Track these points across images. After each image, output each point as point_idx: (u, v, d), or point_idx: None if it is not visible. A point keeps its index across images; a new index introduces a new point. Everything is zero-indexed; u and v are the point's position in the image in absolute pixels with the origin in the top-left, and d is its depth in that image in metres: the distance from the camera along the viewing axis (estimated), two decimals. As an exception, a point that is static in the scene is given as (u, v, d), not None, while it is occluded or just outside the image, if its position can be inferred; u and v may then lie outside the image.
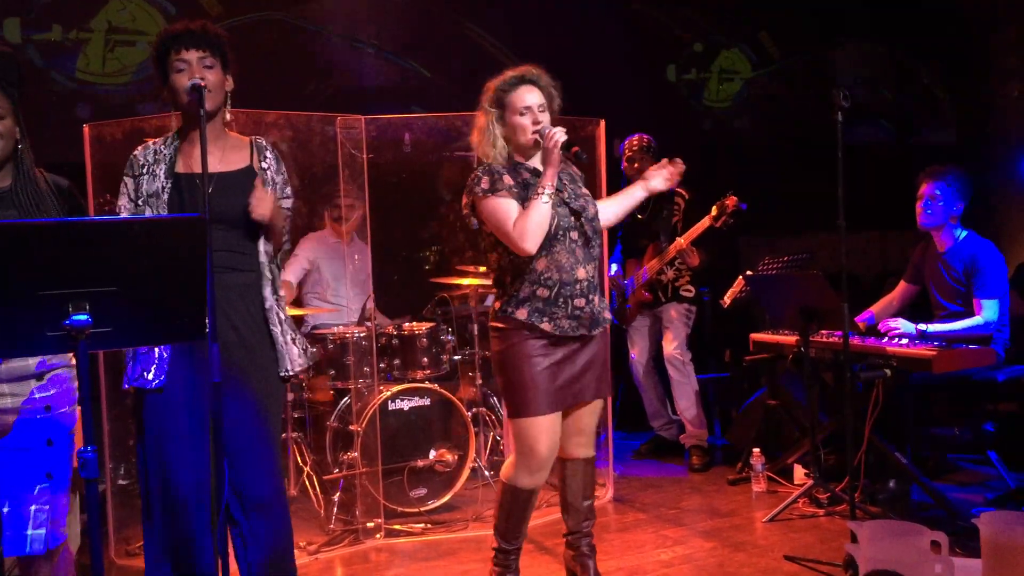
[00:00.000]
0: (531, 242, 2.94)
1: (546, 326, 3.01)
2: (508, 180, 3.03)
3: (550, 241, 3.00)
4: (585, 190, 3.19)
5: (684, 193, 5.03)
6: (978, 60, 8.19)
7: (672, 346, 5.07)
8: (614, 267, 5.26)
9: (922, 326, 4.13)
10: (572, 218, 3.05)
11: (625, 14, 7.18)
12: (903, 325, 4.16)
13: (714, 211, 4.73)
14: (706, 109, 7.58)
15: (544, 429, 3.04)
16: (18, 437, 2.49)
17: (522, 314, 3.02)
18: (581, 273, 3.05)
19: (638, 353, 5.28)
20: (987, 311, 4.07)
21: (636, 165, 5.08)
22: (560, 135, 2.95)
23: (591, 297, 3.08)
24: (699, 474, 4.97)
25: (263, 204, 2.63)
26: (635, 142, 5.12)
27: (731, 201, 4.68)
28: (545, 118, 3.05)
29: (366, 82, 6.37)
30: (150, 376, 2.62)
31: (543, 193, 2.95)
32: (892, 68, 8.19)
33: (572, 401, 3.13)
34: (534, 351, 3.03)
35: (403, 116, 4.59)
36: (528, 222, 2.94)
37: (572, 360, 3.08)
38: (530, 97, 3.04)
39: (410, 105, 6.10)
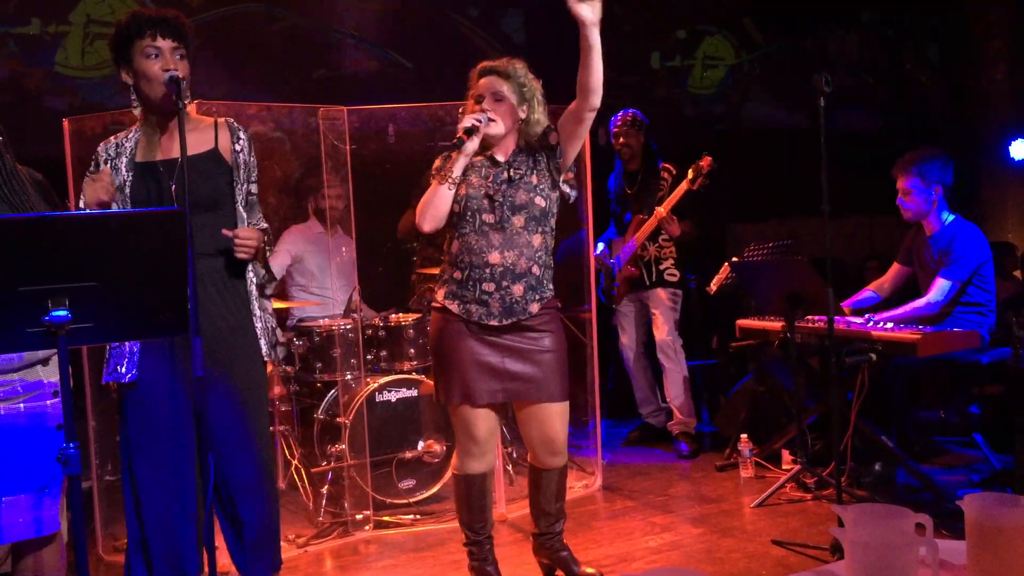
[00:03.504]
0: (421, 218, 3.01)
1: (454, 307, 3.04)
2: (436, 163, 3.09)
3: (460, 222, 3.03)
4: (534, 178, 3.05)
5: (671, 168, 5.05)
6: (963, 44, 8.20)
7: (663, 333, 5.10)
8: (600, 246, 5.28)
9: (871, 315, 4.16)
10: (486, 200, 3.01)
11: (608, 1, 7.16)
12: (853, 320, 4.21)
13: (690, 174, 4.80)
14: (691, 96, 7.57)
15: (478, 414, 3.06)
16: (30, 423, 2.50)
17: (441, 294, 3.09)
18: (494, 258, 3.00)
19: (627, 340, 5.30)
20: (936, 291, 4.10)
21: (622, 140, 5.14)
22: (465, 121, 2.99)
23: (505, 284, 3.00)
24: (687, 461, 4.99)
25: (248, 244, 2.64)
26: (621, 119, 5.18)
27: (705, 161, 4.76)
28: (501, 108, 3.02)
29: (348, 73, 6.34)
30: (123, 370, 2.63)
31: (445, 176, 2.99)
32: (876, 53, 8.20)
33: (506, 398, 3.09)
34: (461, 339, 3.04)
35: (386, 107, 4.57)
36: (422, 202, 3.01)
37: (502, 354, 3.04)
38: (484, 85, 3.06)
39: (395, 95, 6.07)
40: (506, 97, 3.04)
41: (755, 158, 7.09)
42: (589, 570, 3.27)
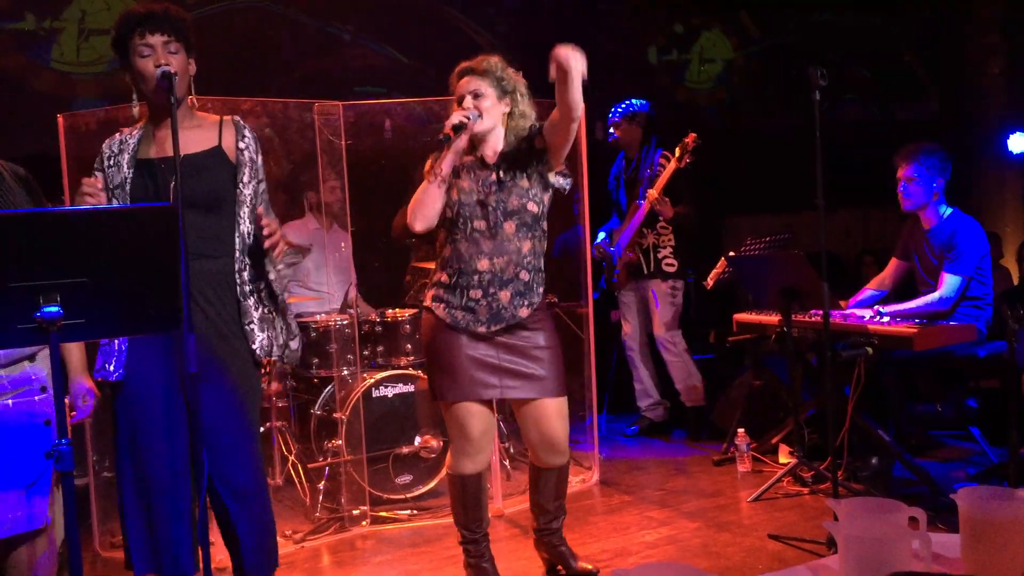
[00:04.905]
0: (412, 218, 3.01)
1: (439, 311, 3.03)
2: (428, 164, 3.07)
3: (452, 228, 3.02)
4: (525, 181, 3.02)
5: (669, 155, 5.06)
6: (960, 38, 8.19)
7: (662, 328, 5.15)
8: (601, 235, 5.33)
9: (878, 307, 4.15)
10: (479, 207, 3.00)
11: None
12: (859, 311, 4.20)
13: (677, 152, 4.92)
14: (687, 90, 7.56)
15: (472, 412, 3.05)
16: (18, 419, 2.48)
17: (429, 296, 3.09)
18: (483, 264, 2.98)
19: (630, 329, 5.37)
20: (947, 287, 4.08)
21: (615, 132, 5.28)
22: (453, 118, 2.96)
23: (492, 291, 2.99)
24: (686, 453, 5.00)
25: (277, 234, 2.64)
26: (620, 109, 5.26)
27: (690, 138, 4.89)
28: (485, 104, 2.99)
29: (344, 68, 6.33)
30: (111, 368, 2.61)
31: (434, 176, 2.99)
32: (873, 47, 8.19)
33: (503, 395, 3.08)
34: (455, 336, 3.03)
35: (381, 102, 4.56)
36: (413, 201, 3.01)
37: (498, 350, 3.03)
38: (463, 86, 3.05)
39: (390, 91, 6.07)
40: (484, 93, 3.01)
41: (752, 152, 7.08)
42: (587, 566, 3.28)
